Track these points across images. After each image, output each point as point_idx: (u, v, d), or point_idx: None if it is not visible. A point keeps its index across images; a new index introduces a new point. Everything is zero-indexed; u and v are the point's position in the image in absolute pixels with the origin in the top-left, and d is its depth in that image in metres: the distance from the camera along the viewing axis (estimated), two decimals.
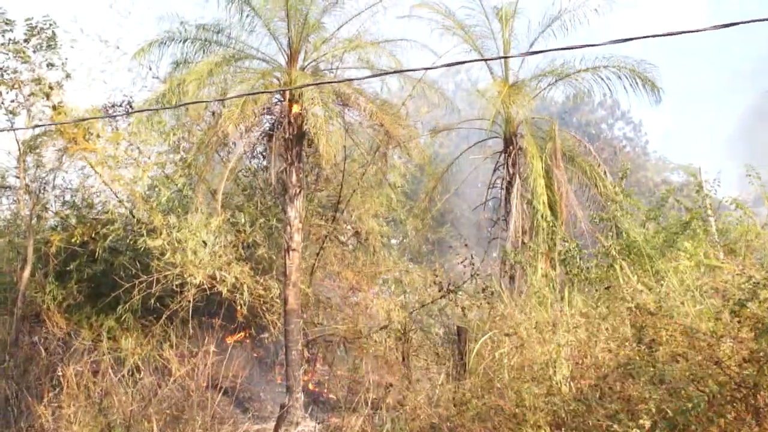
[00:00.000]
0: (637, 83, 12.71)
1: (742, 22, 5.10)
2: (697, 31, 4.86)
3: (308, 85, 11.01)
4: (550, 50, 13.29)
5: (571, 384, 6.84)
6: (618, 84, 12.94)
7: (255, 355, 14.30)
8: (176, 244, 12.03)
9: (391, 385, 10.56)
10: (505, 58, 13.17)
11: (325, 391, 13.78)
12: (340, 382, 13.52)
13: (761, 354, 4.55)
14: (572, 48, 7.59)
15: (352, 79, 11.97)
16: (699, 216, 8.73)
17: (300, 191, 12.06)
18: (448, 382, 9.14)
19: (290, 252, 11.90)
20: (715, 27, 4.67)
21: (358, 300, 14.07)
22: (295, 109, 11.64)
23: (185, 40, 12.48)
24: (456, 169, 15.33)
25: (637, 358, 5.66)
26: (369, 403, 10.39)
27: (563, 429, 6.39)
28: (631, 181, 14.03)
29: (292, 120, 11.80)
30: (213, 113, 13.11)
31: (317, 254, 14.17)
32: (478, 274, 12.10)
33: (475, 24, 13.84)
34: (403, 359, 11.77)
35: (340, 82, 11.68)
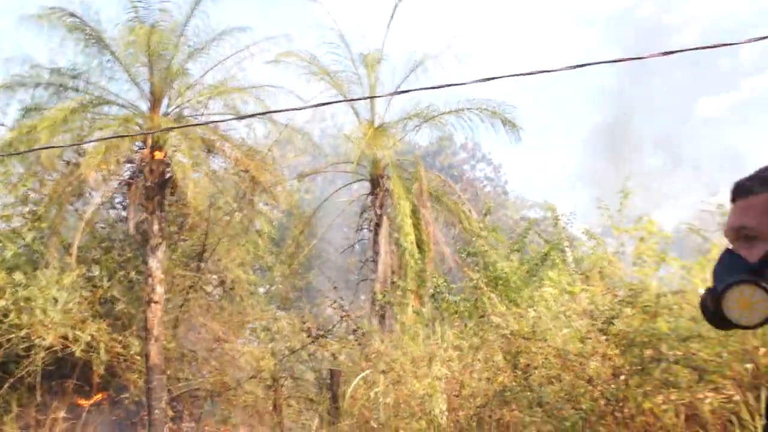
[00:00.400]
0: (497, 124, 13.47)
1: (589, 64, 5.56)
2: (553, 71, 5.24)
3: (172, 128, 10.71)
4: (414, 90, 13.80)
5: (450, 416, 6.93)
6: (480, 126, 13.64)
7: (114, 417, 13.28)
8: (22, 304, 11.02)
9: None
10: (371, 98, 13.50)
11: None
12: None
13: (626, 368, 4.86)
14: (437, 87, 7.91)
15: (216, 122, 11.79)
16: (557, 247, 9.33)
17: (162, 241, 11.55)
18: (322, 427, 8.97)
19: (152, 305, 11.30)
20: (569, 67, 5.07)
21: (225, 351, 13.56)
22: (158, 155, 11.21)
23: (37, 85, 11.75)
24: (322, 213, 15.36)
25: (514, 383, 5.86)
26: None
27: None
28: (493, 219, 14.71)
29: (154, 168, 11.35)
30: (68, 162, 12.30)
31: (181, 306, 13.54)
32: (348, 317, 12.10)
33: (341, 70, 14.13)
34: (274, 408, 11.42)
35: (204, 124, 11.45)
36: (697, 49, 4.95)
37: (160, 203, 11.52)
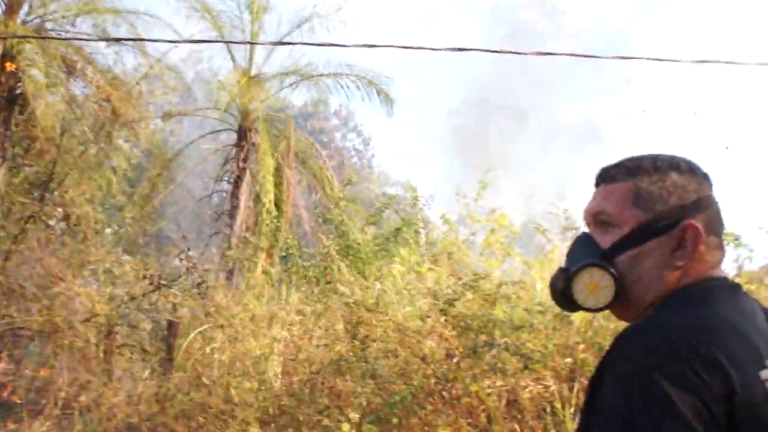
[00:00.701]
0: (373, 94, 13.43)
1: (469, 49, 5.63)
2: (433, 49, 5.26)
3: (29, 37, 9.76)
4: (295, 43, 13.40)
5: (283, 379, 6.88)
6: (357, 94, 13.55)
7: None
8: None
9: (88, 381, 9.65)
10: (250, 43, 12.97)
11: (6, 392, 12.12)
12: (27, 382, 12.00)
13: (460, 350, 5.02)
14: (318, 45, 7.75)
15: (81, 39, 10.84)
16: (410, 225, 9.49)
17: (3, 162, 10.52)
18: (152, 378, 8.62)
19: None
20: (450, 49, 5.10)
21: (61, 290, 12.66)
22: (9, 66, 10.16)
23: None
24: (184, 159, 14.69)
25: (351, 353, 5.89)
26: (59, 404, 9.35)
27: (273, 425, 6.38)
28: (355, 191, 14.75)
29: (3, 80, 10.28)
30: None
31: (16, 237, 12.45)
32: (194, 269, 11.68)
33: (224, 10, 13.46)
34: (105, 354, 10.84)
35: (66, 39, 10.51)
36: (568, 55, 5.14)
37: (6, 120, 10.50)
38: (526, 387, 4.74)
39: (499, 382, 4.92)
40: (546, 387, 4.75)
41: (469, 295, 4.93)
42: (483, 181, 6.36)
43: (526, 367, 4.61)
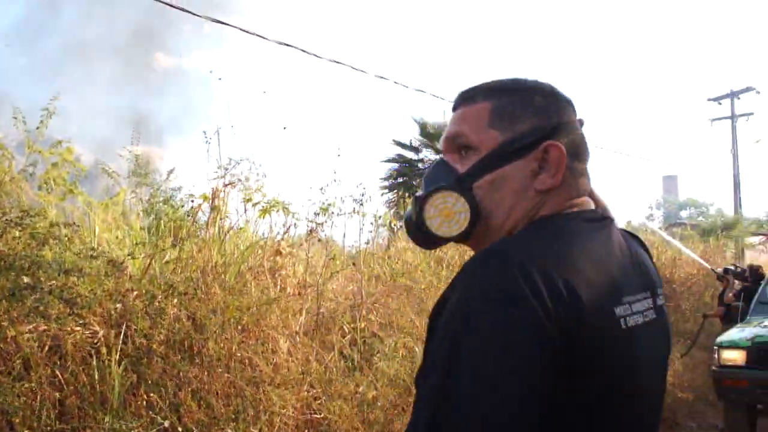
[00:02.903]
0: None
1: None
2: None
3: None
4: None
5: None
6: None
7: None
8: None
9: None
10: None
11: None
12: None
13: None
14: None
15: None
16: None
17: None
18: None
19: None
20: None
21: None
22: None
23: None
24: None
25: None
26: None
27: None
28: None
29: None
30: None
31: None
32: None
33: None
34: None
35: None
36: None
37: None
38: (71, 332, 4.54)
39: (42, 328, 4.61)
40: (94, 333, 4.63)
41: (16, 233, 4.48)
42: (48, 109, 5.77)
43: (71, 312, 4.41)
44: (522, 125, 1.22)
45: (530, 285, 1.00)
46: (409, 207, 1.32)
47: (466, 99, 1.29)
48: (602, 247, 1.17)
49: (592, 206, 1.27)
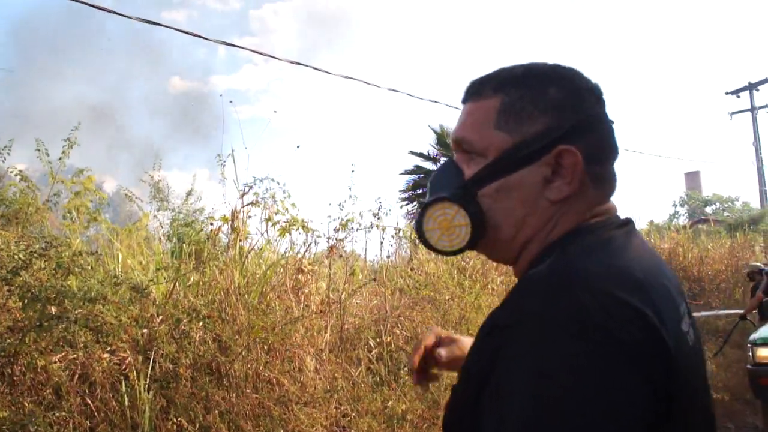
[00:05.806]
0: None
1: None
2: None
3: None
4: None
5: None
6: None
7: None
8: None
9: None
10: None
11: None
12: None
13: (26, 323, 4.60)
14: None
15: None
16: None
17: None
18: None
19: None
20: None
21: None
22: None
23: None
24: None
25: None
26: None
27: None
28: None
29: None
30: None
31: None
32: None
33: None
34: None
35: None
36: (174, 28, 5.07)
37: None
38: (99, 360, 4.58)
39: (70, 356, 4.66)
40: (121, 359, 4.66)
41: (41, 264, 4.53)
42: (69, 140, 5.87)
43: (98, 340, 4.44)
44: (532, 126, 1.07)
45: (621, 313, 0.88)
46: (418, 210, 1.20)
47: (474, 93, 1.15)
48: (647, 255, 1.04)
49: (617, 211, 1.14)
